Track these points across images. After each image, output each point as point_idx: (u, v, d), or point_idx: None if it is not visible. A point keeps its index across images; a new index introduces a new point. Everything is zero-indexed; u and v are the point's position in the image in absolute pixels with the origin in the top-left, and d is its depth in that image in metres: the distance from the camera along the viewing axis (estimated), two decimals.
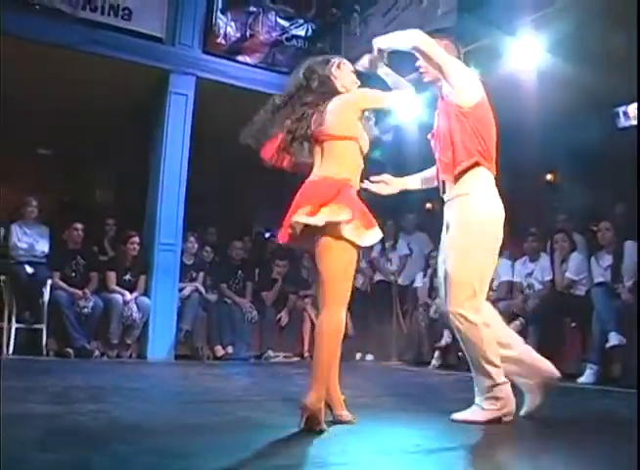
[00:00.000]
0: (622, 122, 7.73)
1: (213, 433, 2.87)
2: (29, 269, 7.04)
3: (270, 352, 8.07)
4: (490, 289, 7.12)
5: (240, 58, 8.22)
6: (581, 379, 5.79)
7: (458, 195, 3.46)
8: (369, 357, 8.42)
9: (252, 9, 8.39)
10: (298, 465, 2.36)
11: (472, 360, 3.33)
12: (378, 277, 8.75)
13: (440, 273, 3.52)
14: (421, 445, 2.76)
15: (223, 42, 8.12)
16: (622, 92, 6.60)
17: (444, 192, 3.58)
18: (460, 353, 7.20)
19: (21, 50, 7.00)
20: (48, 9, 7.03)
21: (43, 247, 7.36)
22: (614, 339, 5.70)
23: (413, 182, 3.96)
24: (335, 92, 3.29)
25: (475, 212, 3.40)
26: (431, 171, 3.84)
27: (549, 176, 8.89)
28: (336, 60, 3.42)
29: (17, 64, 7.15)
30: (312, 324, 8.32)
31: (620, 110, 7.73)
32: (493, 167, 3.52)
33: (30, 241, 7.30)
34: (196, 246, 8.20)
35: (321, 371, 2.98)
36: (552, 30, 5.87)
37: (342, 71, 3.38)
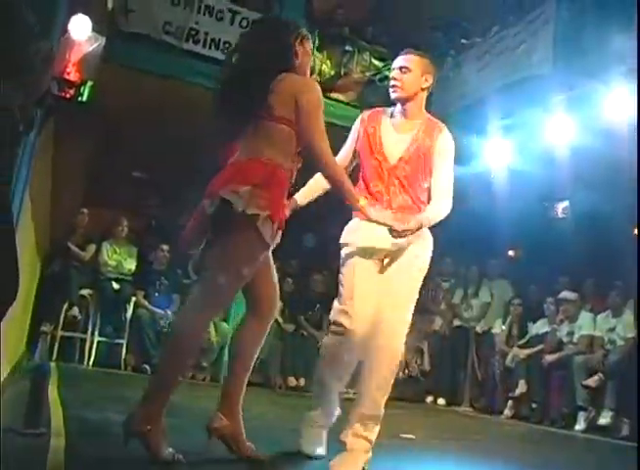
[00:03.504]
0: None
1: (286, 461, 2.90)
2: (116, 286, 7.34)
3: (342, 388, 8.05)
4: (571, 342, 7.06)
5: (333, 95, 8.37)
6: None
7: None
8: (441, 401, 8.31)
9: (348, 48, 8.56)
10: None
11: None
12: (457, 322, 8.66)
13: None
14: None
15: (317, 79, 8.29)
16: None
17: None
18: (534, 405, 7.07)
19: (126, 79, 7.35)
20: (155, 40, 7.37)
21: (130, 265, 7.65)
22: None
23: (301, 199, 3.41)
24: (290, 69, 2.87)
25: None
26: (315, 180, 3.35)
27: (637, 230, 8.66)
28: (302, 31, 2.99)
29: (121, 90, 7.51)
30: None
31: None
32: None
33: (119, 259, 7.60)
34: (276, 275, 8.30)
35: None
36: None
37: (304, 49, 2.96)
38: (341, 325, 3.19)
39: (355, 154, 3.34)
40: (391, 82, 3.24)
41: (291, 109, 2.78)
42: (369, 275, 3.16)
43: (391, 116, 3.29)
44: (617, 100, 6.08)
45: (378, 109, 3.37)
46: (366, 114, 3.37)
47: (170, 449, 2.52)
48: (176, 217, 11.20)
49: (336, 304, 3.28)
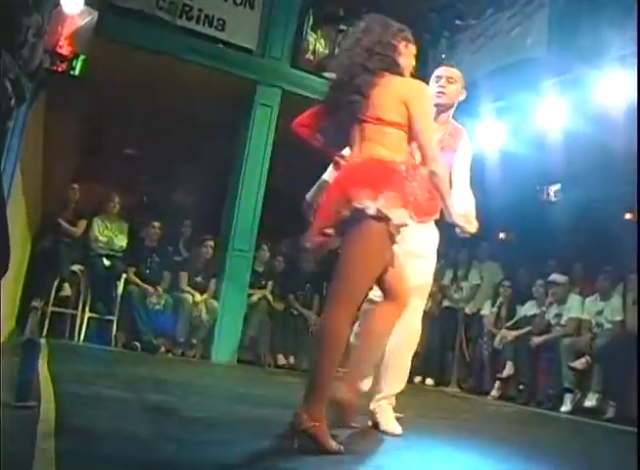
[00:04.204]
0: None
1: (275, 433, 2.93)
2: (107, 262, 7.32)
3: None
4: (558, 325, 7.11)
5: (327, 74, 8.33)
6: None
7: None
8: (429, 381, 8.37)
9: (342, 27, 8.50)
10: None
11: None
12: (446, 303, 8.70)
13: None
14: None
15: (312, 58, 8.26)
16: None
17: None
18: (521, 386, 7.14)
19: (118, 54, 7.30)
20: (148, 16, 7.32)
21: (122, 242, 7.63)
22: None
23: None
24: (394, 71, 2.93)
25: None
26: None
27: (628, 215, 8.70)
28: (406, 33, 3.08)
29: (114, 65, 7.46)
30: None
31: None
32: None
33: (110, 235, 7.58)
34: (268, 254, 8.34)
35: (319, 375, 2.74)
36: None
37: (408, 51, 3.06)
38: None
39: None
40: (439, 89, 3.55)
41: (402, 113, 2.84)
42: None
43: None
44: (610, 85, 6.07)
45: None
46: None
47: (334, 443, 2.62)
48: (168, 194, 11.25)
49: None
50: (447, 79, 3.59)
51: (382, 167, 2.80)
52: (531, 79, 6.66)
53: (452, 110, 3.68)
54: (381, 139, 2.84)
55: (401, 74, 2.96)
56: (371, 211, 2.68)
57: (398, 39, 3.01)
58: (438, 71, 3.67)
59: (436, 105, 3.56)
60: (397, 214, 2.73)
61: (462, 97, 3.67)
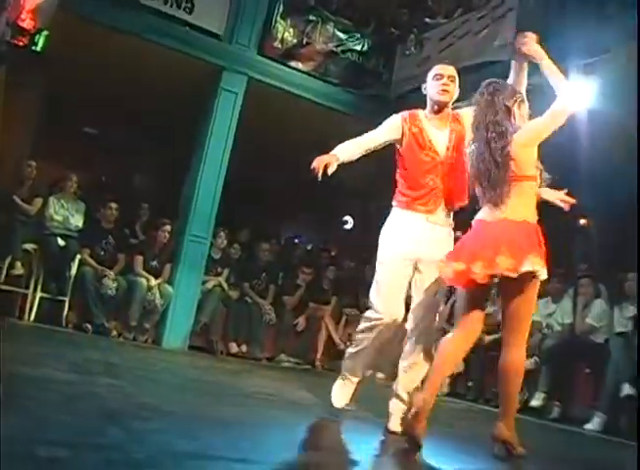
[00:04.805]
0: None
1: (224, 421, 2.94)
2: (61, 242, 7.18)
3: (282, 357, 8.13)
4: None
5: (293, 63, 8.31)
6: (588, 426, 5.78)
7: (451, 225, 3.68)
8: (380, 375, 8.42)
9: (312, 17, 8.48)
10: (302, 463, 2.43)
11: None
12: None
13: None
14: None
15: (279, 46, 8.23)
16: None
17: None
18: (470, 383, 7.24)
19: (82, 32, 7.18)
20: None
21: (77, 222, 7.50)
22: (627, 389, 5.69)
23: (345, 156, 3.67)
24: (508, 133, 3.21)
25: None
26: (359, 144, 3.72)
27: (582, 221, 8.86)
28: (519, 95, 3.43)
29: (77, 45, 7.35)
30: (328, 334, 8.39)
31: None
32: None
33: (66, 214, 7.45)
34: (225, 242, 8.30)
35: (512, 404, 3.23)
36: (603, 77, 5.90)
37: (520, 111, 3.37)
38: None
39: (388, 146, 3.72)
40: (442, 87, 3.64)
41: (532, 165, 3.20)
42: None
43: (426, 115, 3.71)
44: (572, 93, 6.13)
45: (412, 111, 3.75)
46: (405, 114, 3.73)
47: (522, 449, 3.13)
48: (127, 176, 11.12)
49: None
50: (449, 78, 3.66)
51: (533, 230, 3.17)
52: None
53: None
54: (520, 195, 3.21)
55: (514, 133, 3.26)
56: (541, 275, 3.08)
57: (512, 101, 3.34)
58: (438, 70, 3.72)
59: (438, 102, 3.67)
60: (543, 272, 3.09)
61: (456, 95, 3.76)
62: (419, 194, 3.55)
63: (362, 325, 3.73)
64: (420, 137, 3.61)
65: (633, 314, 6.22)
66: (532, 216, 3.18)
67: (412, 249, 3.53)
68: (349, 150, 3.60)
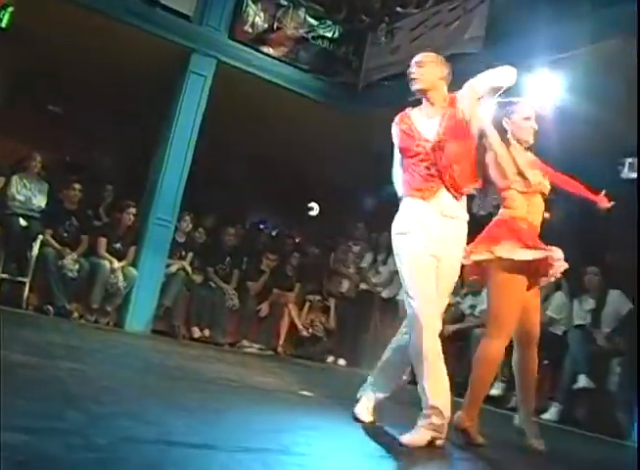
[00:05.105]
0: (626, 173, 7.80)
1: (186, 407, 2.94)
2: (23, 222, 7.07)
3: (245, 342, 8.14)
4: (472, 315, 7.31)
5: (264, 48, 8.26)
6: (544, 415, 5.89)
7: (459, 216, 3.50)
8: (341, 362, 8.49)
9: (283, 2, 8.42)
10: (262, 448, 2.44)
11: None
12: (363, 286, 8.82)
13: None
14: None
15: (250, 30, 8.16)
16: (630, 143, 6.69)
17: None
18: None
19: (49, 8, 7.06)
20: None
21: (40, 202, 7.38)
22: (583, 381, 5.81)
23: None
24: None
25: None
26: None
27: (545, 215, 8.96)
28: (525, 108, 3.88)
29: (43, 22, 7.21)
30: (291, 321, 8.42)
31: (627, 161, 7.80)
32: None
33: (29, 194, 7.33)
34: (190, 226, 8.26)
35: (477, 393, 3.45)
36: (564, 75, 5.98)
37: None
38: None
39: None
40: (410, 76, 3.57)
41: None
42: None
43: (419, 108, 3.65)
44: (539, 88, 6.21)
45: (403, 111, 3.70)
46: (396, 117, 3.70)
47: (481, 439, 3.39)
48: (92, 156, 10.97)
49: None
50: (417, 65, 3.58)
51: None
52: (465, 74, 6.75)
53: (442, 90, 3.60)
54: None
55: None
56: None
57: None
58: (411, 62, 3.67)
59: (413, 92, 3.63)
60: None
61: (443, 73, 3.59)
62: (420, 184, 3.46)
63: None
64: (409, 131, 3.57)
65: (592, 307, 6.36)
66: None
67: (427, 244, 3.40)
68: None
